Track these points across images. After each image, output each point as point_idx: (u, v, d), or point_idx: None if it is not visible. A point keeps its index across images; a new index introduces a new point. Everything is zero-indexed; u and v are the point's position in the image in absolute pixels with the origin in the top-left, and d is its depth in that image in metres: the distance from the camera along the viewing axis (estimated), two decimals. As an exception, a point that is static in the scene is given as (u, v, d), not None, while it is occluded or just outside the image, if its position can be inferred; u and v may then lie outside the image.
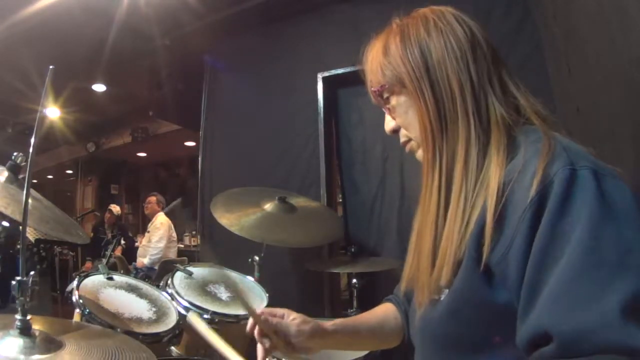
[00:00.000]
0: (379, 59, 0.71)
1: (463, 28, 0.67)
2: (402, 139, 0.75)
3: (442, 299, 0.63)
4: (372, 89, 0.74)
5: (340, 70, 2.44)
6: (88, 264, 5.15)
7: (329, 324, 0.81)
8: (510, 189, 0.56)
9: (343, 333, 0.83)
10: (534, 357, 0.50)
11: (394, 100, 0.72)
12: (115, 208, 5.82)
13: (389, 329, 0.87)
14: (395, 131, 0.75)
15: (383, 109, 0.76)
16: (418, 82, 0.66)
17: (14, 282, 0.77)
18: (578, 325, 0.46)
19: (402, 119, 0.72)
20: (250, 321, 0.78)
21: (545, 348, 0.48)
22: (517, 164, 0.58)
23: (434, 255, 0.64)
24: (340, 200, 2.55)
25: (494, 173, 0.59)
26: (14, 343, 0.77)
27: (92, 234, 5.58)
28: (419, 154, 0.72)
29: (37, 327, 0.83)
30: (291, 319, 0.79)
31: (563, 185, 0.52)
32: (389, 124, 0.76)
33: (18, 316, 0.79)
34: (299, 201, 2.01)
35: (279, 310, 0.81)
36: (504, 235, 0.55)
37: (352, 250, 1.99)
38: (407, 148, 0.75)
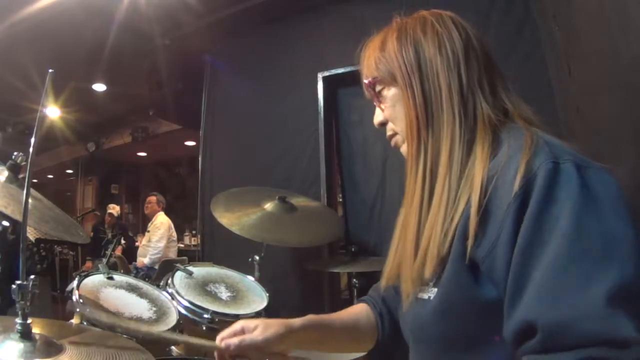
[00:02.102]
0: (375, 53, 0.74)
1: (459, 32, 0.69)
2: (389, 133, 0.77)
3: (431, 298, 0.64)
4: (365, 81, 0.76)
5: (340, 70, 2.44)
6: (88, 264, 5.16)
7: (297, 321, 0.78)
8: (494, 184, 0.57)
9: (314, 329, 0.80)
10: (522, 351, 0.50)
11: (384, 93, 0.75)
12: (115, 208, 5.80)
13: (363, 328, 0.86)
14: (383, 124, 0.78)
15: (374, 102, 0.78)
16: (409, 77, 0.69)
17: (14, 286, 0.77)
18: (562, 317, 0.46)
19: (390, 112, 0.75)
20: (216, 356, 0.75)
21: (531, 340, 0.49)
22: (500, 159, 0.59)
23: (417, 246, 0.65)
24: (341, 199, 2.55)
25: (478, 169, 0.60)
26: (14, 347, 0.77)
27: (92, 234, 5.58)
28: (404, 148, 0.74)
29: (37, 330, 0.83)
30: (252, 328, 0.75)
31: (546, 178, 0.52)
32: (378, 116, 0.78)
33: (18, 320, 0.78)
34: (299, 201, 2.00)
35: (236, 327, 0.77)
36: (489, 231, 0.56)
37: (352, 250, 1.99)
38: (393, 142, 0.78)
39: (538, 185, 0.52)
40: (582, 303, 0.46)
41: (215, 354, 0.75)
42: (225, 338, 0.74)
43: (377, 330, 0.86)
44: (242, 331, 0.75)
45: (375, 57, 0.74)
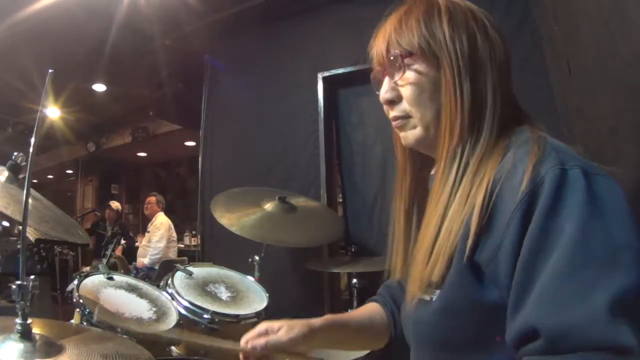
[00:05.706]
0: (419, 26, 0.66)
1: (503, 41, 0.68)
2: (396, 113, 0.70)
3: (433, 299, 0.63)
4: (396, 51, 0.67)
5: (340, 70, 2.43)
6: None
7: (317, 321, 0.79)
8: (500, 187, 0.57)
9: (332, 329, 0.81)
10: (523, 353, 0.50)
11: (417, 67, 0.66)
12: (115, 204, 5.81)
13: (377, 327, 0.87)
14: (392, 102, 0.70)
15: (384, 74, 0.71)
16: (459, 70, 0.64)
17: (14, 287, 0.77)
18: (564, 322, 0.47)
19: (412, 93, 0.67)
20: (241, 358, 0.77)
21: (532, 344, 0.49)
22: (506, 163, 0.58)
23: (432, 251, 0.63)
24: (341, 200, 2.55)
25: (489, 170, 0.60)
26: (14, 347, 0.77)
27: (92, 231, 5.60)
28: (410, 138, 0.70)
29: (37, 330, 0.83)
30: (276, 329, 0.76)
31: (553, 184, 0.52)
32: (390, 92, 0.69)
33: (18, 320, 0.78)
34: (299, 201, 2.01)
35: (260, 328, 0.78)
36: (494, 234, 0.56)
37: (352, 250, 1.99)
38: (399, 124, 0.70)
39: (545, 191, 0.52)
40: (584, 310, 0.46)
41: (241, 356, 0.77)
42: (251, 340, 0.76)
43: (390, 328, 0.87)
44: (266, 332, 0.77)
45: (418, 31, 0.66)
